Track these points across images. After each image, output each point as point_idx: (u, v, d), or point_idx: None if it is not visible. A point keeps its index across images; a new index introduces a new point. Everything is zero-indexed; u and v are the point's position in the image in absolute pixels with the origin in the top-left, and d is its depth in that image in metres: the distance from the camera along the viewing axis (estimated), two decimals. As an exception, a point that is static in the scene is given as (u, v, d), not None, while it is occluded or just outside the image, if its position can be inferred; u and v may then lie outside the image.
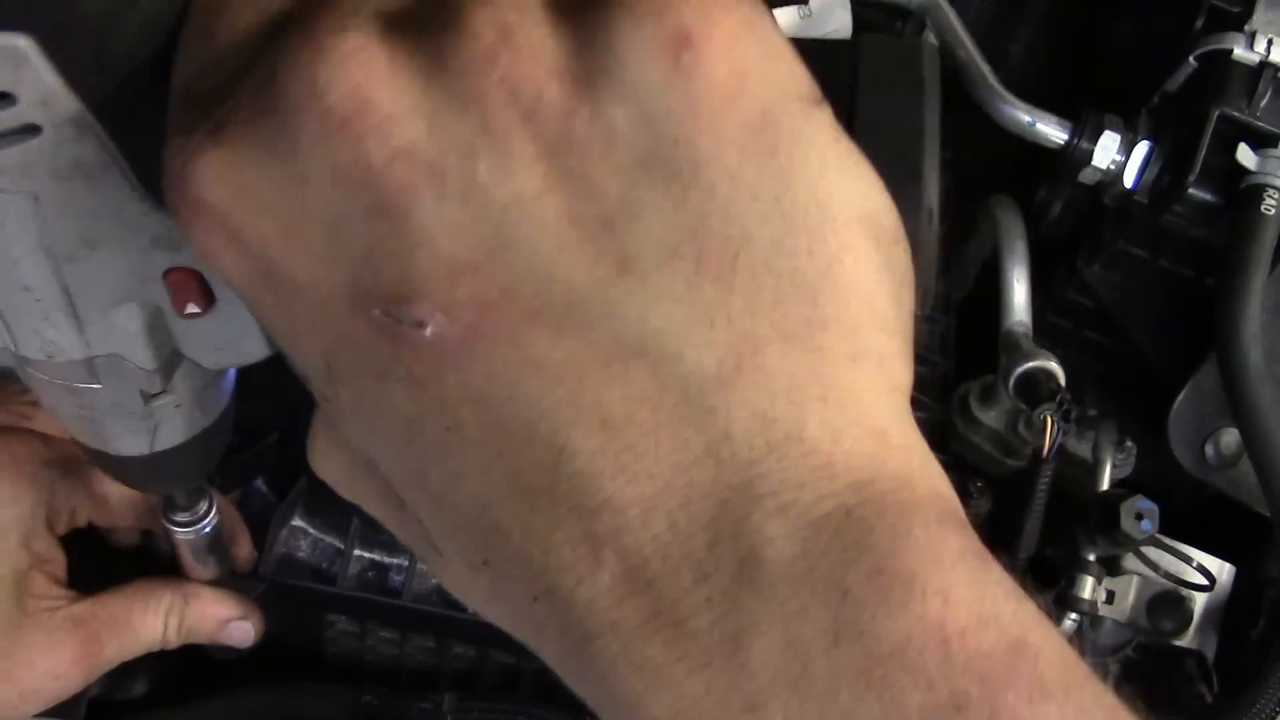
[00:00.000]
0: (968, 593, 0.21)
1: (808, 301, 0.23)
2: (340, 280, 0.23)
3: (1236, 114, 0.57)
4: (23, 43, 0.24)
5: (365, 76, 0.22)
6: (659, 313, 0.22)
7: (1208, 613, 0.63)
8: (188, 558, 0.56)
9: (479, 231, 0.22)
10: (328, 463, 0.27)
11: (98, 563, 0.56)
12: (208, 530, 0.54)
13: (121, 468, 0.40)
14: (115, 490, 0.55)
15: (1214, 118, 0.57)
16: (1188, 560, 0.61)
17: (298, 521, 0.62)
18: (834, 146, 0.23)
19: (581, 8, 0.23)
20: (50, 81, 0.25)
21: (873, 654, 0.21)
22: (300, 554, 0.62)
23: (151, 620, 0.55)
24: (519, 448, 0.22)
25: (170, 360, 0.33)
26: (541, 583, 0.23)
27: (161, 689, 0.62)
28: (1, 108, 0.25)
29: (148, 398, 0.35)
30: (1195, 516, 0.64)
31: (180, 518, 0.53)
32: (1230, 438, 0.60)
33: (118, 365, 0.33)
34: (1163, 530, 0.58)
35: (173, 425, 0.37)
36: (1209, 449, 0.61)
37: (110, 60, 0.26)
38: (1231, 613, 0.63)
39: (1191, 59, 0.60)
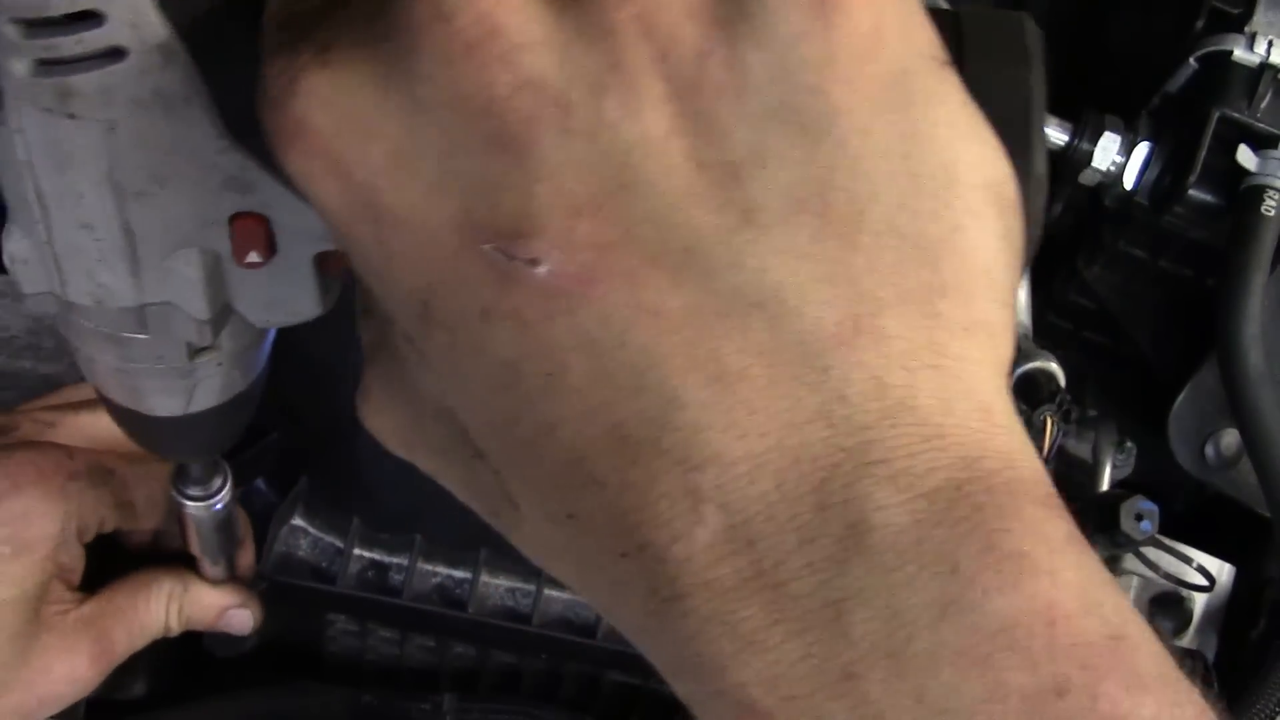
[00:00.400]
0: (1074, 577, 0.21)
1: (928, 266, 0.22)
2: (450, 213, 0.22)
3: (1237, 115, 0.57)
4: None
5: (495, 1, 0.21)
6: (781, 266, 0.22)
7: (1208, 613, 0.63)
8: (193, 535, 0.54)
9: (602, 170, 0.22)
10: (383, 416, 0.27)
11: (106, 560, 0.56)
12: (219, 508, 0.52)
13: (150, 429, 0.39)
14: (141, 494, 0.54)
15: (1214, 119, 0.57)
16: (1188, 560, 0.61)
17: (298, 521, 0.62)
18: (963, 110, 0.23)
19: None
20: (144, 3, 0.24)
21: (980, 631, 0.20)
22: (300, 553, 0.62)
23: (155, 608, 0.55)
24: (625, 397, 0.22)
25: (222, 313, 0.32)
26: (633, 539, 0.22)
27: (161, 689, 0.62)
28: (90, 27, 0.25)
29: (193, 352, 0.34)
30: (1195, 516, 0.64)
31: (193, 491, 0.51)
32: (1230, 438, 0.60)
33: (168, 314, 0.32)
34: (1163, 530, 0.58)
35: (211, 386, 0.36)
36: (1209, 449, 0.61)
37: None
38: (1231, 613, 0.63)
39: (1192, 60, 0.60)
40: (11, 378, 0.63)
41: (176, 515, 0.54)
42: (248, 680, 0.63)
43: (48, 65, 0.26)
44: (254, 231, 0.29)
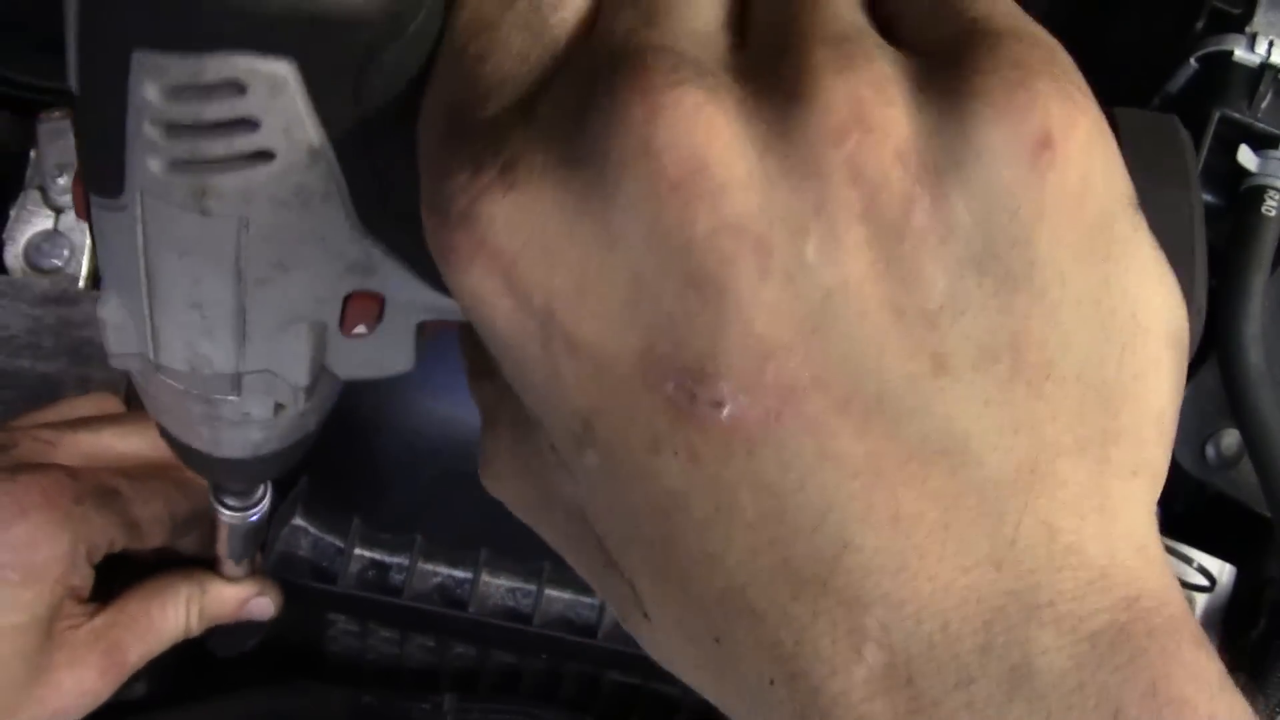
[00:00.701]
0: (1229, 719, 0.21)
1: (1108, 413, 0.22)
2: (632, 346, 0.22)
3: (1237, 115, 0.57)
4: (285, 69, 0.23)
5: (705, 139, 0.21)
6: (967, 414, 0.21)
7: (1208, 613, 0.63)
8: (223, 540, 0.54)
9: (797, 314, 0.21)
10: (506, 486, 0.27)
11: (119, 569, 0.56)
12: (255, 519, 0.52)
13: (210, 464, 0.38)
14: (146, 513, 0.54)
15: (1215, 119, 0.57)
16: (1188, 560, 0.61)
17: (298, 521, 0.62)
18: (1153, 254, 0.23)
19: (942, 90, 0.22)
20: (301, 110, 0.24)
21: None
22: (300, 553, 0.62)
23: (171, 613, 0.55)
24: (797, 536, 0.21)
25: (319, 377, 0.32)
26: (785, 668, 0.22)
27: (162, 689, 0.62)
28: (241, 133, 0.24)
29: (278, 409, 0.33)
30: (1195, 516, 0.64)
31: (232, 503, 0.51)
32: (1230, 438, 0.60)
33: (266, 381, 0.31)
34: (1163, 530, 0.58)
35: (284, 432, 0.36)
36: (1209, 449, 0.61)
37: (364, 92, 0.24)
38: (1231, 613, 0.63)
39: (1192, 60, 0.59)
40: (11, 377, 0.63)
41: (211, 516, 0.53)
42: (248, 680, 0.63)
43: (187, 165, 0.25)
44: (368, 308, 0.29)
